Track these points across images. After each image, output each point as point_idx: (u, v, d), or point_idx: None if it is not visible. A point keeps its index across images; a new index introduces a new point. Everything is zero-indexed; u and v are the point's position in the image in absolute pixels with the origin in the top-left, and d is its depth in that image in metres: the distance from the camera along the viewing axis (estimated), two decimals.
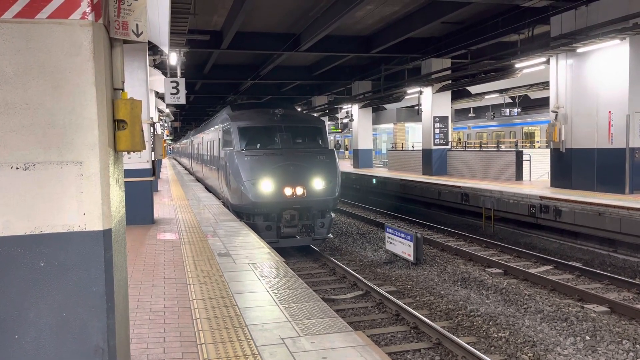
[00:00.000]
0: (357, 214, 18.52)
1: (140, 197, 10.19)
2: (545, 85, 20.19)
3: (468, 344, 6.55)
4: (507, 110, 32.44)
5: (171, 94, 14.01)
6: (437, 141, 20.80)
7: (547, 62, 14.33)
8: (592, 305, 8.10)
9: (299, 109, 26.46)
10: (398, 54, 19.38)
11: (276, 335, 4.34)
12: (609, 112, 12.68)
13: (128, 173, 8.75)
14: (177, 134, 68.52)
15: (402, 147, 31.70)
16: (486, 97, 25.65)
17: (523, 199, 13.25)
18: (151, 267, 6.88)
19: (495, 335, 7.02)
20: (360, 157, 27.72)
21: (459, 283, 9.63)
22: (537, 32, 15.41)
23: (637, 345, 6.58)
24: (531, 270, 9.99)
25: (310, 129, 12.79)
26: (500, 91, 24.45)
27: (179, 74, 15.27)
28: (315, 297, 5.41)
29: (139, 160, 10.09)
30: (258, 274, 6.38)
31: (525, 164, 17.41)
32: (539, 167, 17.79)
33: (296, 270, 10.54)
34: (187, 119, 50.14)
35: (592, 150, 13.22)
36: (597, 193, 12.81)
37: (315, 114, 28.74)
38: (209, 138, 17.96)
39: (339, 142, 44.33)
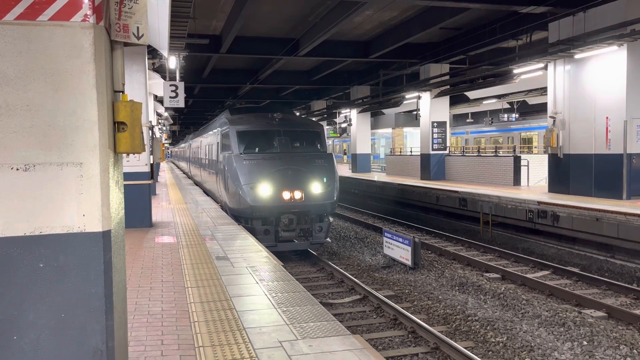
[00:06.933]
0: (355, 219, 18.52)
1: (138, 200, 10.17)
2: (543, 91, 20.27)
3: (466, 348, 6.55)
4: (505, 115, 32.56)
5: (170, 97, 14.03)
6: (435, 146, 20.85)
7: (545, 68, 14.39)
8: (589, 310, 8.11)
9: (298, 114, 26.48)
10: (396, 59, 19.46)
11: (274, 338, 4.34)
12: (607, 118, 12.73)
13: (126, 176, 8.75)
14: (176, 137, 68.51)
15: (401, 151, 31.74)
16: (484, 102, 25.73)
17: (521, 204, 13.27)
18: (149, 270, 6.87)
19: (493, 340, 7.02)
20: (358, 161, 27.79)
21: (457, 288, 9.63)
22: (535, 38, 15.49)
23: (635, 351, 6.58)
24: (529, 275, 10.00)
25: (308, 133, 12.82)
26: (499, 97, 24.52)
27: (178, 77, 15.28)
28: (314, 300, 5.41)
29: (138, 163, 10.10)
30: (256, 277, 6.38)
31: (523, 170, 17.45)
32: (536, 172, 17.83)
33: (294, 274, 10.53)
34: (186, 122, 50.13)
35: (590, 155, 13.25)
36: (595, 199, 12.83)
37: (313, 119, 28.76)
38: (207, 142, 17.96)
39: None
